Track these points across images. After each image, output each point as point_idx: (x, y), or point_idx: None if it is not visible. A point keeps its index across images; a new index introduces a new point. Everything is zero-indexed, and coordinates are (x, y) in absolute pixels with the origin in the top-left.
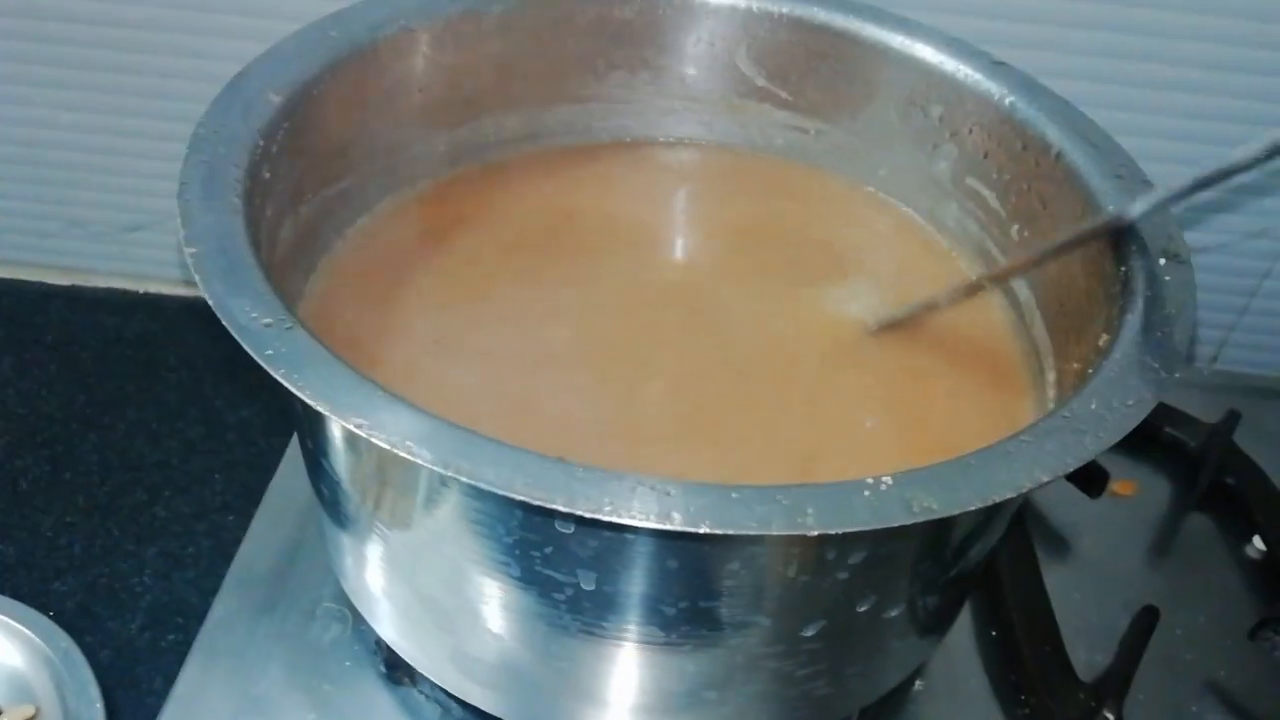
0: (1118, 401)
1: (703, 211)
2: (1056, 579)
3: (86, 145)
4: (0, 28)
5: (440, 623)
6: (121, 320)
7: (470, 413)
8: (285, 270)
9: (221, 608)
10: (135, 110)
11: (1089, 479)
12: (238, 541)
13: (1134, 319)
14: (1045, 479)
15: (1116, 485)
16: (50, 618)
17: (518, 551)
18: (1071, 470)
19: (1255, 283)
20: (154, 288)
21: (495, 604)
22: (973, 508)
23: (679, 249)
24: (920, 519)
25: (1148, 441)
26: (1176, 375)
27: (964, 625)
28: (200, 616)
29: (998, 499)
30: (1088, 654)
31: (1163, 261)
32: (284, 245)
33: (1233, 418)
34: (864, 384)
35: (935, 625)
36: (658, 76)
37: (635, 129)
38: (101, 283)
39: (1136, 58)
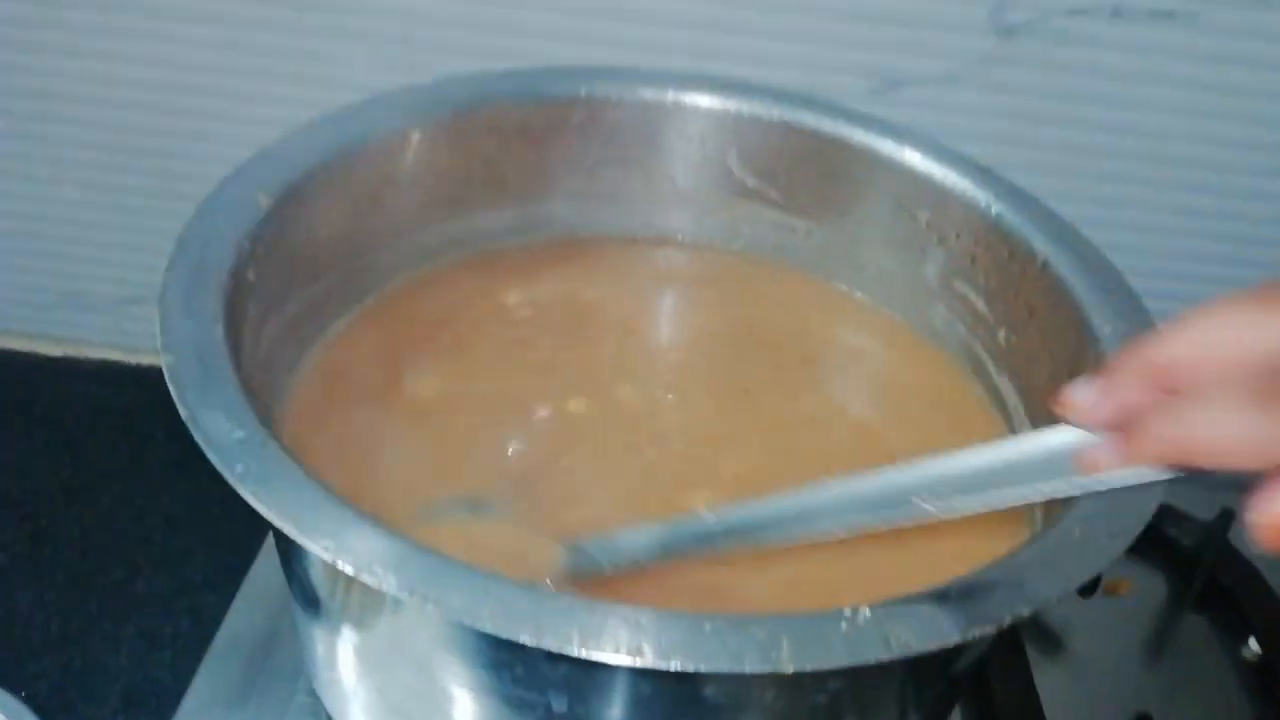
0: (1103, 528)
1: (691, 317)
2: (1049, 681)
3: (84, 219)
4: (3, 105)
5: None
6: (112, 392)
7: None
8: (269, 366)
9: (192, 700)
10: (133, 187)
11: None
12: (217, 621)
13: None
14: (1025, 612)
15: (1110, 584)
16: (22, 699)
17: (488, 669)
18: (1054, 603)
19: None
20: (146, 359)
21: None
22: (953, 643)
23: (663, 357)
24: (898, 654)
25: (1142, 540)
26: (1161, 500)
27: None
28: (175, 698)
29: (977, 633)
30: None
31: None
32: (268, 341)
33: (1226, 516)
34: None
35: None
36: (649, 175)
37: (626, 225)
38: (94, 354)
39: (1122, 157)
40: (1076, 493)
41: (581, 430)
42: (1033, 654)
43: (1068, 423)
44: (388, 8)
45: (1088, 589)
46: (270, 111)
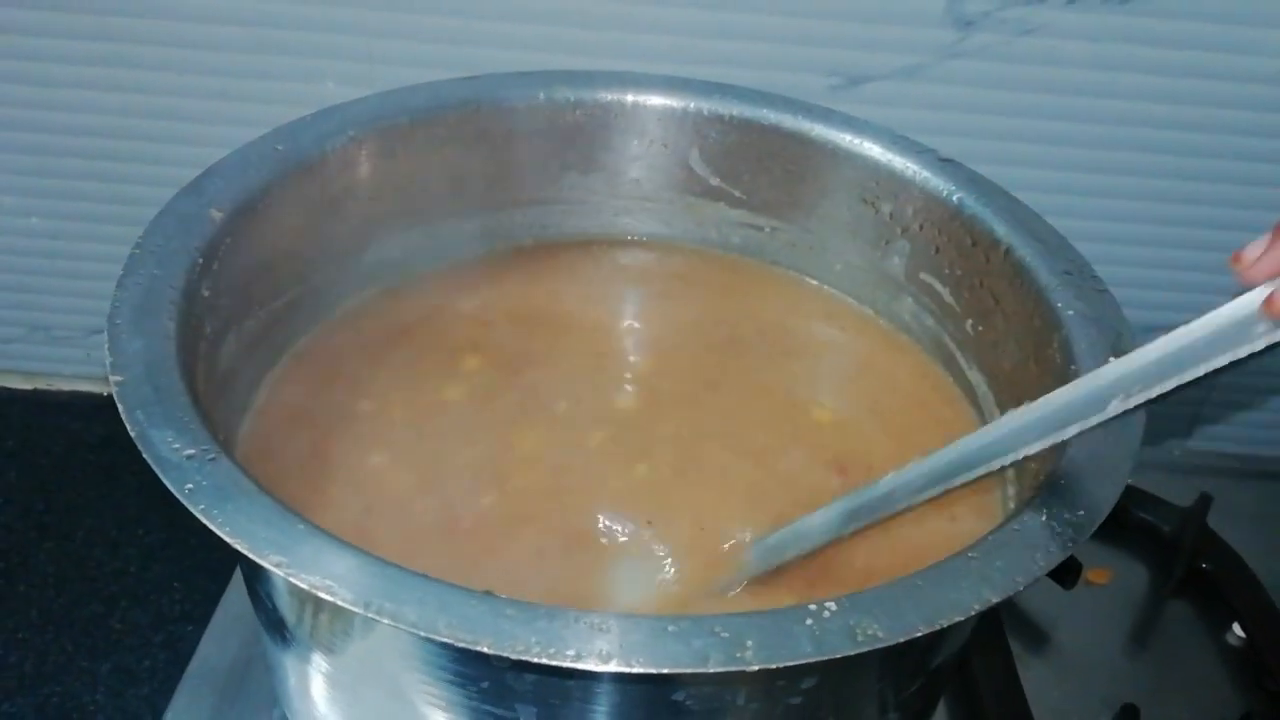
0: (1069, 512)
1: (661, 315)
2: (1034, 674)
3: (49, 250)
4: None
5: None
6: (85, 424)
7: (415, 530)
8: (228, 385)
9: None
10: (98, 216)
11: (1061, 570)
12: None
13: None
14: (994, 599)
15: (1091, 573)
16: None
17: (454, 685)
18: (1022, 589)
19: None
20: None
21: None
22: (919, 634)
23: (636, 357)
24: (865, 648)
25: (1121, 527)
26: (1127, 481)
27: None
28: None
29: (945, 623)
30: None
31: (1112, 359)
32: (227, 359)
33: (1204, 501)
34: (822, 487)
35: None
36: (612, 178)
37: (592, 229)
38: (65, 386)
39: (1083, 144)
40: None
41: (555, 436)
42: (1016, 648)
43: (1241, 282)
44: (347, 24)
45: (1069, 580)
46: (234, 133)
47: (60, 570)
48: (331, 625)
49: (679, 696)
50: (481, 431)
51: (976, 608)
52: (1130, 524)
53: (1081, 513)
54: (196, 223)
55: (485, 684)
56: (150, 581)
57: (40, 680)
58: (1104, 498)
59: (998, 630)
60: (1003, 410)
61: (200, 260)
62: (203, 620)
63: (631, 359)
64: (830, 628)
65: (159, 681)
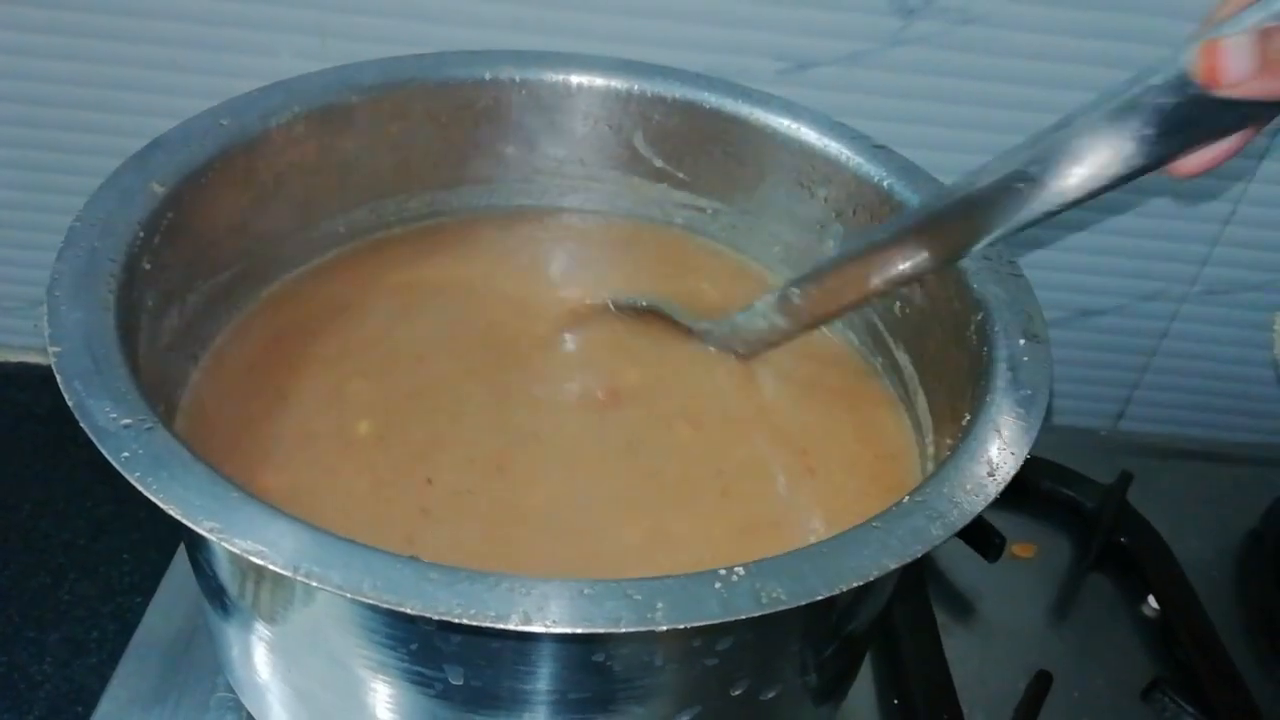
0: (971, 485)
1: (601, 288)
2: (958, 643)
3: None
4: None
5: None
6: (32, 396)
7: (348, 494)
8: (170, 358)
9: (110, 702)
10: (46, 186)
11: (985, 543)
12: None
13: (991, 399)
14: (892, 566)
15: (1016, 548)
16: None
17: (386, 648)
18: (919, 556)
19: (1154, 343)
20: None
21: (370, 700)
22: (820, 597)
23: (577, 329)
24: (768, 610)
25: (1047, 503)
26: (1027, 456)
27: (867, 693)
28: None
29: (844, 588)
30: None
31: (1022, 342)
32: (169, 333)
33: (1125, 479)
34: (754, 458)
35: (824, 699)
36: (558, 159)
37: (537, 209)
38: (13, 358)
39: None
40: None
41: (488, 407)
42: (942, 619)
43: None
44: None
45: (993, 554)
46: (188, 104)
47: (7, 542)
48: (268, 592)
49: (599, 658)
50: (417, 402)
51: (875, 574)
52: (1055, 500)
53: (982, 482)
54: (138, 196)
55: (414, 646)
56: (98, 553)
57: None
58: (1000, 479)
59: (923, 601)
60: (929, 393)
61: (141, 233)
62: (151, 592)
63: (568, 338)
64: (737, 591)
65: (107, 652)
